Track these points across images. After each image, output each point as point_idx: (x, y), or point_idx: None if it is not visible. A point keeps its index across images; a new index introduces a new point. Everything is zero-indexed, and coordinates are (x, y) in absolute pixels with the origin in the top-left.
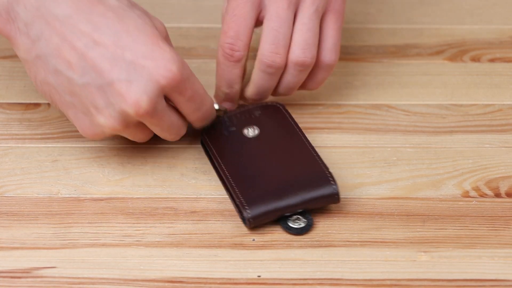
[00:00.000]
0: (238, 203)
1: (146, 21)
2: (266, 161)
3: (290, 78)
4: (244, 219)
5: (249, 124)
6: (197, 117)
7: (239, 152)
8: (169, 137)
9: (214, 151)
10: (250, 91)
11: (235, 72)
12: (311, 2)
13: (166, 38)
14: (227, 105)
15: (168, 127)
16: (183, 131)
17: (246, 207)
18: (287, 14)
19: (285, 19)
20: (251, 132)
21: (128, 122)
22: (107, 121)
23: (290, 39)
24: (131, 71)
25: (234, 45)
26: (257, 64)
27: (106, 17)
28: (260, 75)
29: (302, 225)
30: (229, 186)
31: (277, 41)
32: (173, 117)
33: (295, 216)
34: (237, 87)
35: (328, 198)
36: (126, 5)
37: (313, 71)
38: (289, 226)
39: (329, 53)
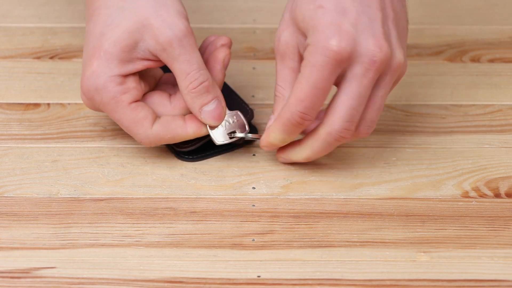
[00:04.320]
0: None
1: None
2: None
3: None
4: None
5: None
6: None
7: None
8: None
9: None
10: (302, 155)
11: (296, 132)
12: (390, 79)
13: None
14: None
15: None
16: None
17: None
18: (367, 91)
19: (365, 96)
20: None
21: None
22: None
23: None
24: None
25: (307, 114)
26: (324, 135)
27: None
28: (322, 145)
29: None
30: None
31: (353, 119)
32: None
33: None
34: (293, 137)
35: None
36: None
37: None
38: None
39: (366, 128)
